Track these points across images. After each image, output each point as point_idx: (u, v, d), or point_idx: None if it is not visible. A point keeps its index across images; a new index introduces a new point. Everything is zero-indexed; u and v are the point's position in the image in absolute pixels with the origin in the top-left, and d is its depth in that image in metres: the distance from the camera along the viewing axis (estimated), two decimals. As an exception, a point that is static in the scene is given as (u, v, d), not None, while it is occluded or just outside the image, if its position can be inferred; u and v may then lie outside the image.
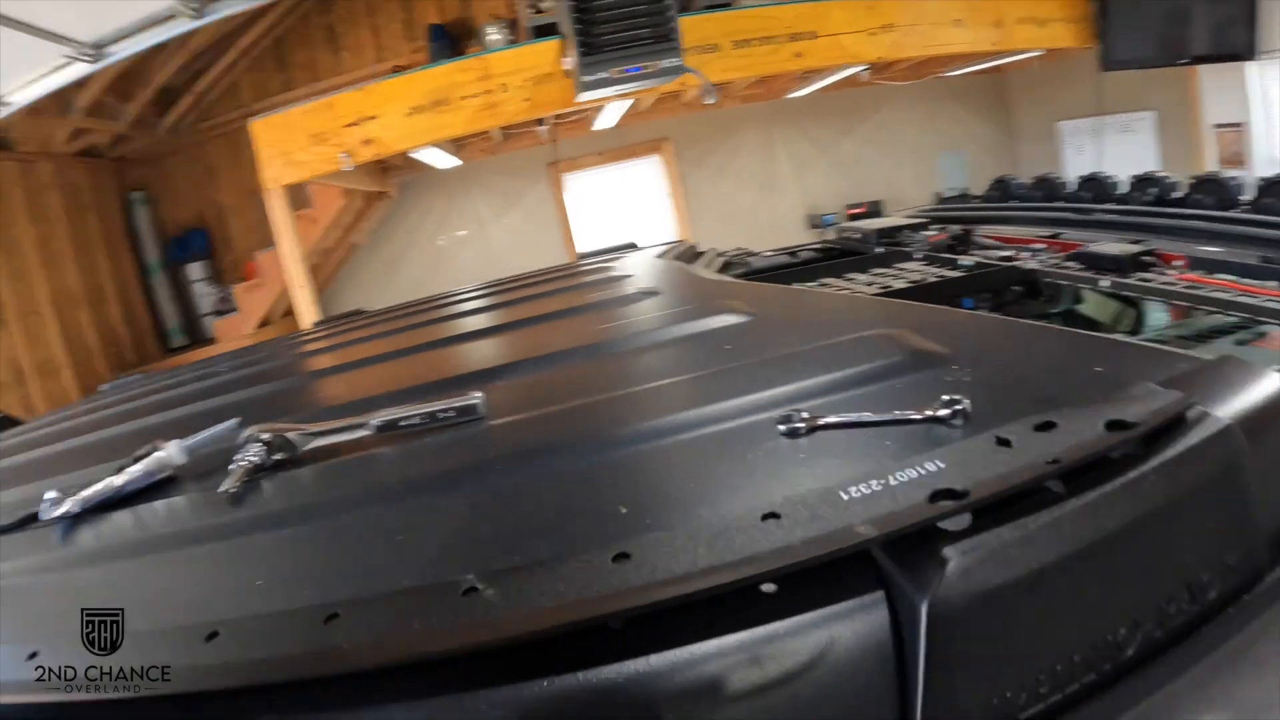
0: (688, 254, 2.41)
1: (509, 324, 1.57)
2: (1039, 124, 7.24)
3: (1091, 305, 2.08)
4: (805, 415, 0.66)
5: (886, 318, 1.04)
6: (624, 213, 7.34)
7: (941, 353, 0.79)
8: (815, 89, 6.75)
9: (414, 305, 2.23)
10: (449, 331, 1.58)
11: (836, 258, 2.52)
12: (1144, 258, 1.83)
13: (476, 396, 0.82)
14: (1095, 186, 2.66)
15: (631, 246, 2.74)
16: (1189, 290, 1.68)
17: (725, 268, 2.45)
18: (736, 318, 1.13)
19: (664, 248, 2.52)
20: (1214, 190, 2.37)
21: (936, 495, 0.48)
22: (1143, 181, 2.58)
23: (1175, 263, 1.84)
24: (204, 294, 6.75)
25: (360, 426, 0.80)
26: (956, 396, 0.61)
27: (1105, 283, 1.78)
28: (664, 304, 1.39)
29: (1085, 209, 2.38)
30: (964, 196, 3.02)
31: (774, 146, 7.50)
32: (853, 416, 0.65)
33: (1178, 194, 2.46)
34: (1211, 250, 1.90)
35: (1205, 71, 5.56)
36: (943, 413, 0.61)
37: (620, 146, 7.32)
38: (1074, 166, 6.22)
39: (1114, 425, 0.54)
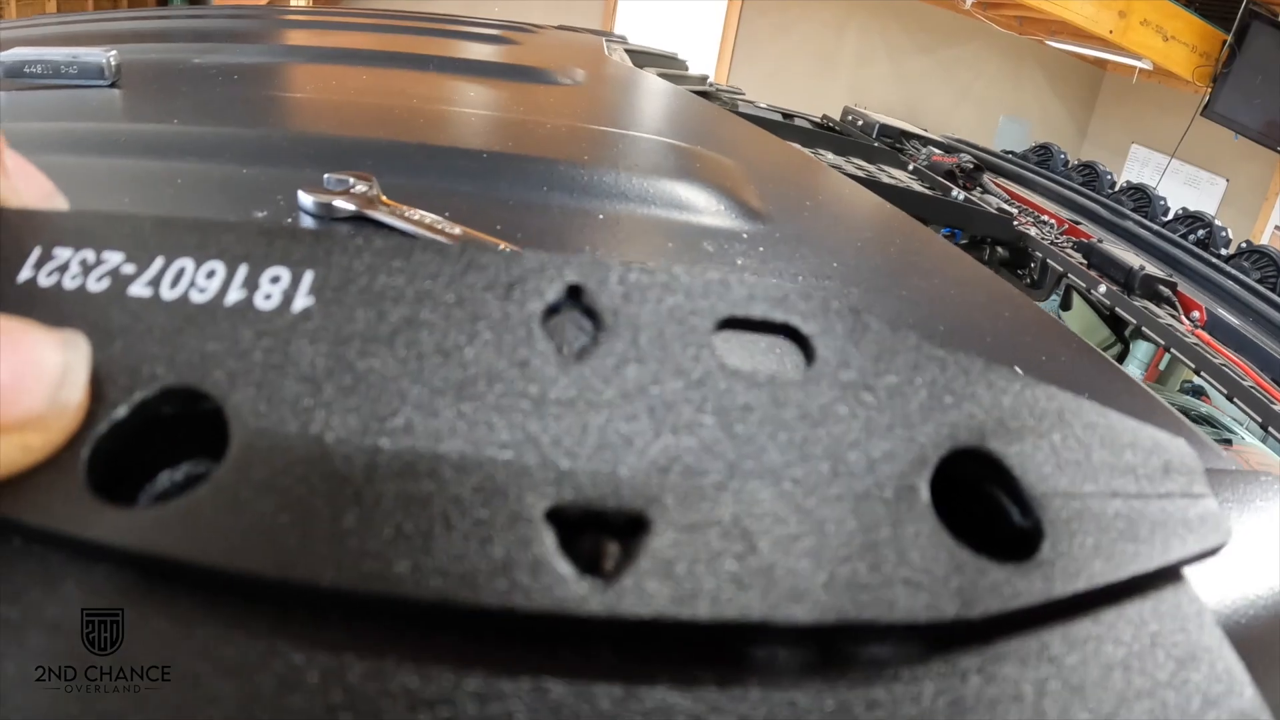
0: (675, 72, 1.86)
1: None
2: (1113, 135, 6.62)
3: (1075, 315, 1.64)
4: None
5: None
6: (670, 36, 6.54)
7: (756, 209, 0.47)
8: (915, -12, 6.01)
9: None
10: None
11: (827, 132, 2.00)
12: (1161, 287, 1.38)
13: (104, 54, 0.64)
14: (1139, 198, 2.17)
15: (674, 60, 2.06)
16: (1193, 345, 1.25)
17: (704, 94, 1.90)
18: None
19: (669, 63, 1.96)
20: (1267, 267, 1.92)
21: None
22: (1191, 219, 2.11)
23: (1193, 313, 1.41)
24: (221, -36, 5.83)
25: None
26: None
27: (1101, 289, 1.33)
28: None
29: (1119, 211, 1.91)
30: (1008, 153, 2.50)
31: (846, 31, 6.70)
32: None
33: (1225, 250, 2.01)
34: (1242, 325, 1.47)
35: (1294, 171, 5.08)
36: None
37: (693, -37, 6.44)
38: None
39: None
